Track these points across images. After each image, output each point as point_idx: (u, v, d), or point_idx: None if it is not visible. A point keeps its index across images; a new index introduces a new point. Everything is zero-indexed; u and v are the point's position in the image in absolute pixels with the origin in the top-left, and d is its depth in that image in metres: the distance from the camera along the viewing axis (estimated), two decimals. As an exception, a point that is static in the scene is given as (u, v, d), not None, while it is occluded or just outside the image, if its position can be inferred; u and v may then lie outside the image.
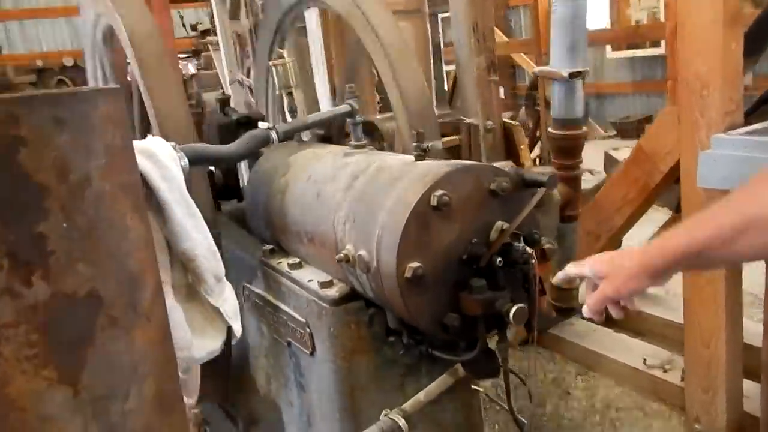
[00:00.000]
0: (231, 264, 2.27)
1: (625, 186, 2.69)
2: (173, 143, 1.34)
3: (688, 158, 2.13)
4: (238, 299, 2.22)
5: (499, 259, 1.36)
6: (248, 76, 3.95)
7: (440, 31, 4.55)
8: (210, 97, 7.73)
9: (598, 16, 10.05)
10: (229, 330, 1.39)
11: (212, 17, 5.25)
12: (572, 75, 1.69)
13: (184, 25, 8.34)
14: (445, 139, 4.02)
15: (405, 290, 1.36)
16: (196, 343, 1.24)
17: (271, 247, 2.01)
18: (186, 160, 1.35)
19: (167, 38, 7.02)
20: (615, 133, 10.07)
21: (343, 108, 1.81)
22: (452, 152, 4.17)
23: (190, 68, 10.24)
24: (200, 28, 7.71)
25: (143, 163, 1.13)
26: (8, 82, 11.02)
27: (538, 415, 2.99)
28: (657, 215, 3.35)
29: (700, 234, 1.08)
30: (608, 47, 10.29)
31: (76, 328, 0.76)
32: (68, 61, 10.97)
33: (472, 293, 1.39)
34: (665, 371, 2.94)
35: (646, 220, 3.26)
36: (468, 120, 4.13)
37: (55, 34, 12.04)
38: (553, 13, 1.74)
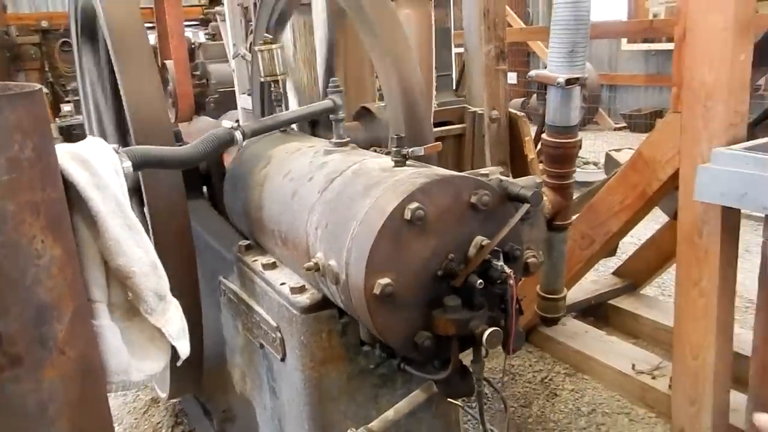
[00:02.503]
0: (208, 256, 2.21)
1: (623, 191, 2.60)
2: (115, 145, 1.25)
3: (688, 169, 2.04)
4: (215, 293, 2.16)
5: (479, 281, 1.28)
6: (250, 50, 3.86)
7: (451, 15, 4.43)
8: (215, 69, 7.56)
9: (615, 8, 9.93)
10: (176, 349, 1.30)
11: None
12: (569, 81, 1.60)
13: (197, -7, 8.17)
14: (449, 127, 3.95)
15: (373, 307, 1.28)
16: (136, 365, 1.16)
17: (247, 242, 1.94)
18: (129, 163, 1.26)
19: (176, 6, 6.85)
20: (625, 125, 9.93)
21: (325, 104, 1.70)
22: (456, 141, 4.08)
23: (201, 36, 10.04)
24: (210, -4, 7.54)
25: (74, 170, 1.04)
26: (13, 43, 10.72)
27: (524, 416, 2.94)
28: (656, 212, 3.25)
29: None
30: (624, 39, 10.16)
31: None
32: (73, 24, 10.84)
33: (446, 312, 1.31)
34: (654, 378, 2.89)
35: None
36: (473, 108, 4.03)
37: (62, -5, 11.66)
38: (554, 14, 1.65)
